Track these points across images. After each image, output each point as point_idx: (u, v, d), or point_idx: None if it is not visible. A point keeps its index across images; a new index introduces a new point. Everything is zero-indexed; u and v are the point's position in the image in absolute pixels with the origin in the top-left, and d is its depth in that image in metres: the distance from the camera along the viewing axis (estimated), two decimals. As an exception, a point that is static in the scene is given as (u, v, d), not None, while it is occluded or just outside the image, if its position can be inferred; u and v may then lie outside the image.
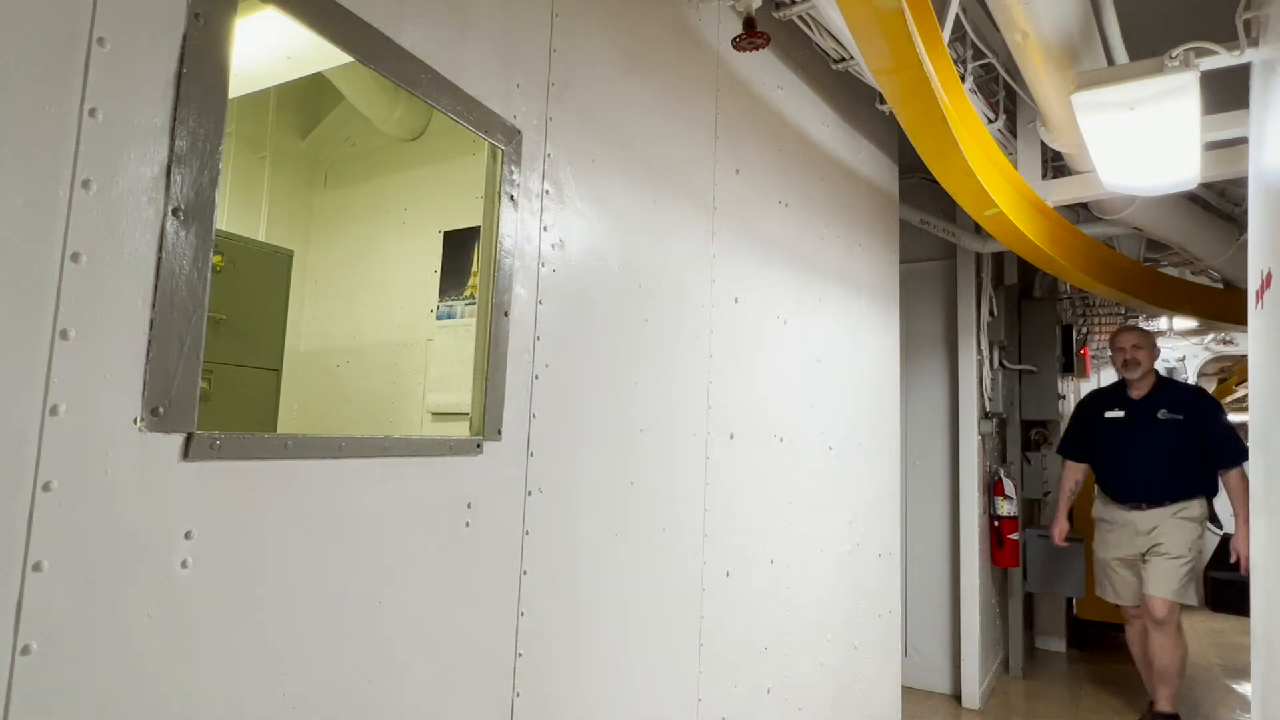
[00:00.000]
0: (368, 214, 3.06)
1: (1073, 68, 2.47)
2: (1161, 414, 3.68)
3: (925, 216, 4.18)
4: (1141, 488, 3.67)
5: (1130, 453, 3.72)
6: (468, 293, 2.66)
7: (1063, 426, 6.10)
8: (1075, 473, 4.04)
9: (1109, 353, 4.06)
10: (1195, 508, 3.61)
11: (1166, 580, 3.55)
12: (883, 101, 3.15)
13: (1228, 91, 2.64)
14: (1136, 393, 3.79)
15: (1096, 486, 3.93)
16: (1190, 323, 6.25)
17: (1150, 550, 3.63)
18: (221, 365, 2.23)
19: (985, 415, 4.49)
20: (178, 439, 1.01)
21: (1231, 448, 3.57)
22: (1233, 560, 3.50)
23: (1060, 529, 4.06)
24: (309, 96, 3.23)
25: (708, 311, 2.22)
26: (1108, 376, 7.76)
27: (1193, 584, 3.60)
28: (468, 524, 1.45)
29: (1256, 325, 2.11)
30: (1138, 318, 6.55)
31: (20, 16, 0.87)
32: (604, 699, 1.78)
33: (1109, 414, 3.85)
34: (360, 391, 2.93)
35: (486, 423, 1.49)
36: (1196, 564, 3.60)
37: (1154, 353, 3.78)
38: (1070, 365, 5.67)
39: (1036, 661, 5.07)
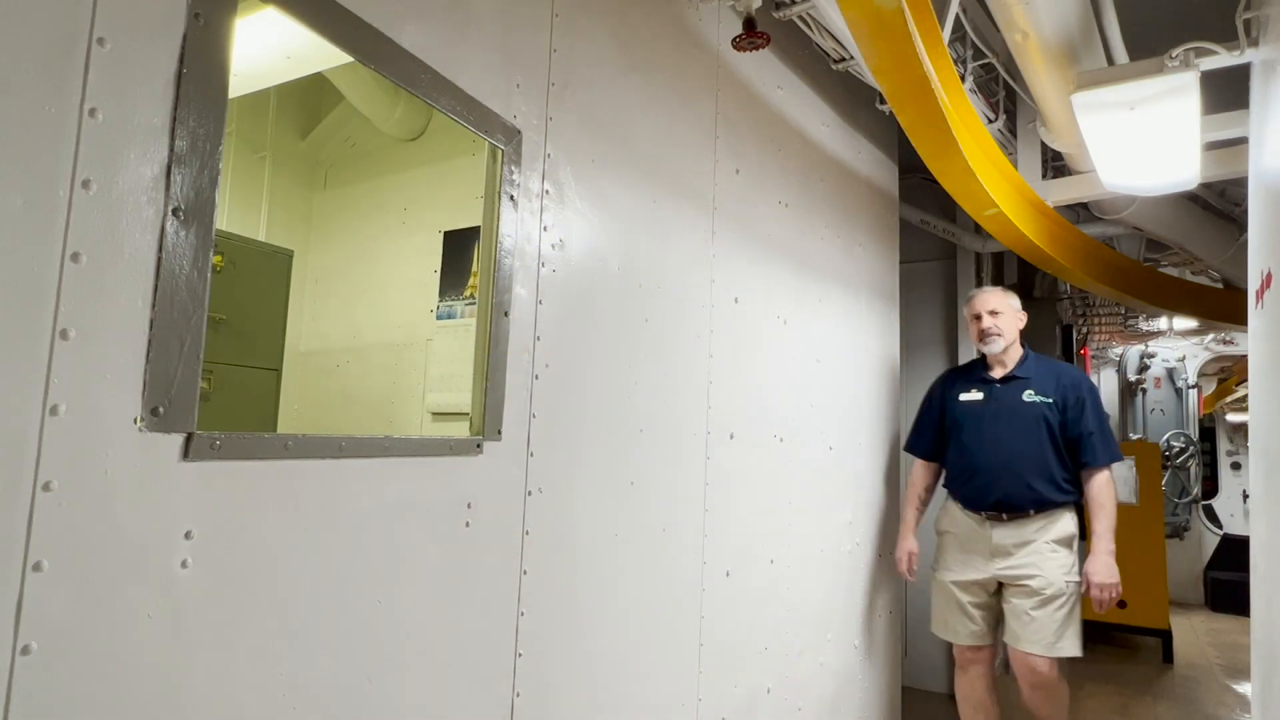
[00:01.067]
0: (368, 214, 3.06)
1: (1073, 68, 2.47)
2: (1028, 396, 2.84)
3: (925, 216, 4.18)
4: (1000, 492, 2.77)
5: (987, 446, 2.85)
6: (468, 293, 2.66)
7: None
8: (926, 475, 3.11)
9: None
10: (1067, 521, 2.79)
11: (1042, 630, 2.69)
12: (883, 101, 3.14)
13: (1228, 91, 2.65)
14: (998, 371, 2.94)
15: (945, 491, 3.05)
16: (1190, 323, 6.25)
17: (1013, 584, 2.76)
18: (221, 365, 2.24)
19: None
20: (178, 439, 1.01)
21: (1106, 444, 2.80)
22: (1085, 592, 2.71)
23: (905, 551, 3.05)
24: (309, 96, 3.23)
25: (708, 311, 2.22)
26: (1108, 377, 7.73)
27: (1073, 629, 2.71)
28: (468, 524, 1.45)
29: (1256, 325, 2.11)
30: (1138, 317, 6.56)
31: (20, 16, 0.87)
32: (604, 699, 1.78)
33: (964, 397, 2.97)
34: (360, 391, 2.93)
35: (486, 423, 1.49)
36: (1075, 602, 2.73)
37: (1020, 319, 2.97)
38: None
39: (1036, 661, 5.06)
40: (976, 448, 2.88)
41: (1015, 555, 2.75)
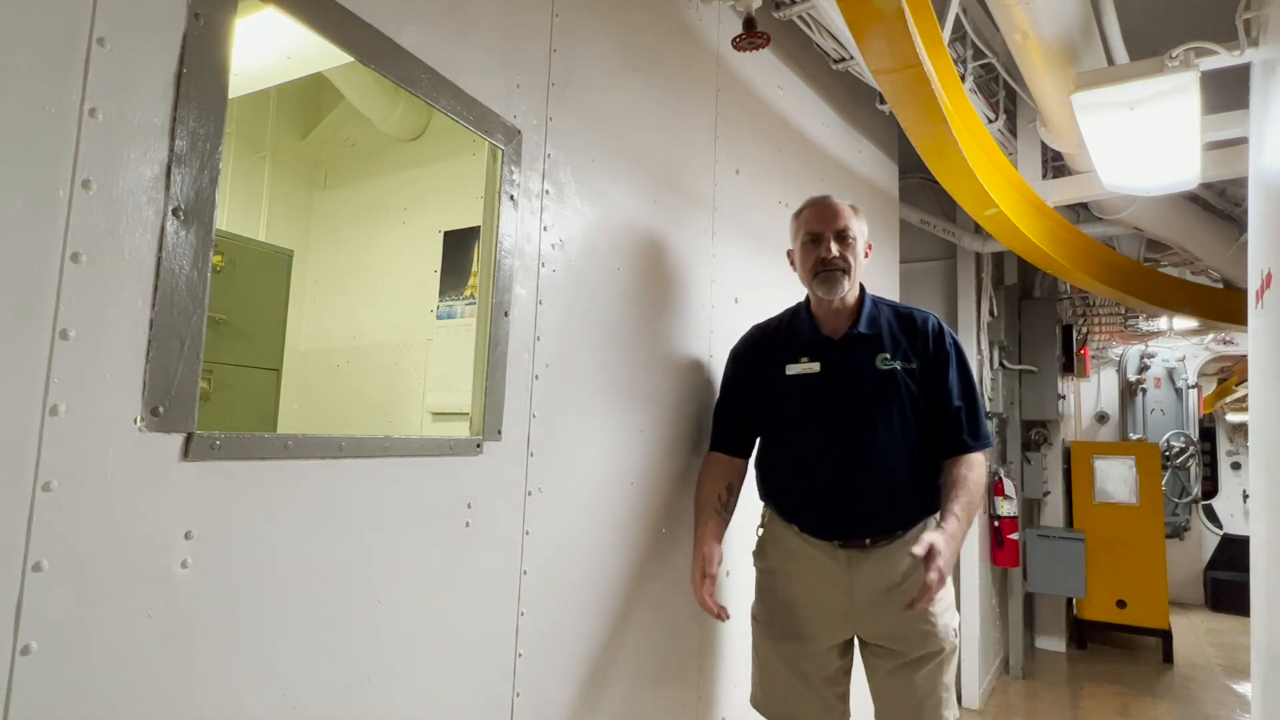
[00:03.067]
0: (368, 214, 3.06)
1: (1073, 68, 2.47)
2: (883, 363, 1.90)
3: (925, 216, 4.18)
4: (864, 509, 1.86)
5: (836, 443, 1.89)
6: (468, 293, 2.66)
7: (1064, 428, 6.02)
8: (726, 471, 2.01)
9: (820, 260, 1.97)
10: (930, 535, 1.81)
11: (928, 697, 1.83)
12: (883, 101, 3.15)
13: (1228, 91, 2.65)
14: (835, 326, 1.97)
15: (767, 510, 2.06)
16: (1190, 323, 6.25)
17: (889, 646, 1.87)
18: (221, 365, 2.24)
19: (985, 415, 4.49)
20: (178, 439, 1.01)
21: (977, 422, 1.94)
22: (929, 575, 1.65)
23: (707, 576, 1.87)
24: (309, 96, 3.23)
25: (708, 311, 2.22)
26: (1108, 377, 7.72)
27: (952, 691, 1.87)
28: (468, 524, 1.45)
29: (1256, 325, 2.11)
30: (1138, 317, 6.56)
31: (20, 16, 0.87)
32: (604, 698, 1.78)
33: (791, 369, 1.97)
34: (360, 391, 2.93)
35: (486, 423, 1.49)
36: (953, 651, 1.87)
37: (868, 253, 2.04)
38: (1070, 365, 5.68)
39: (1036, 661, 5.07)
40: (820, 446, 1.91)
41: (887, 600, 1.83)
